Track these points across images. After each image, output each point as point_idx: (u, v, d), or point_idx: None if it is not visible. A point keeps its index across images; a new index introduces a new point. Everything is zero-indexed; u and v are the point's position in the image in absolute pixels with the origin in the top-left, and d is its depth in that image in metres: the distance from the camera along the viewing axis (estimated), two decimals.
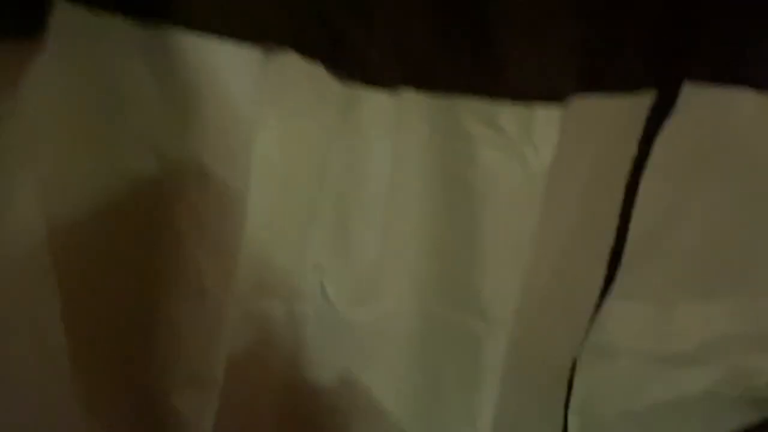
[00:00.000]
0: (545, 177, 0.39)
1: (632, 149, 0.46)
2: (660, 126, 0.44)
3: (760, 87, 0.45)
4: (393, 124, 0.38)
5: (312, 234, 0.39)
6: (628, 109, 0.43)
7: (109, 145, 0.31)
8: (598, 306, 0.51)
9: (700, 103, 0.43)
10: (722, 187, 0.49)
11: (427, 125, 0.39)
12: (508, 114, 0.37)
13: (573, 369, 0.53)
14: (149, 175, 0.31)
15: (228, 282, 0.33)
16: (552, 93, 0.37)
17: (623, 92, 0.42)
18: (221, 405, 0.35)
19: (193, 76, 0.29)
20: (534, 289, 0.46)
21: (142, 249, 0.32)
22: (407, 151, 0.39)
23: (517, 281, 0.41)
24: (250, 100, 0.31)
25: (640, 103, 0.43)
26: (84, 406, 0.35)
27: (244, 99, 0.31)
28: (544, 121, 0.38)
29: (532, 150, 0.38)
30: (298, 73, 0.34)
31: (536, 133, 0.38)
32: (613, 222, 0.48)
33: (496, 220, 0.39)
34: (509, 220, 0.39)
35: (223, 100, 0.30)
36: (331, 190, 0.38)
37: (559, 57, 0.37)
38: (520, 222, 0.39)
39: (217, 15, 0.29)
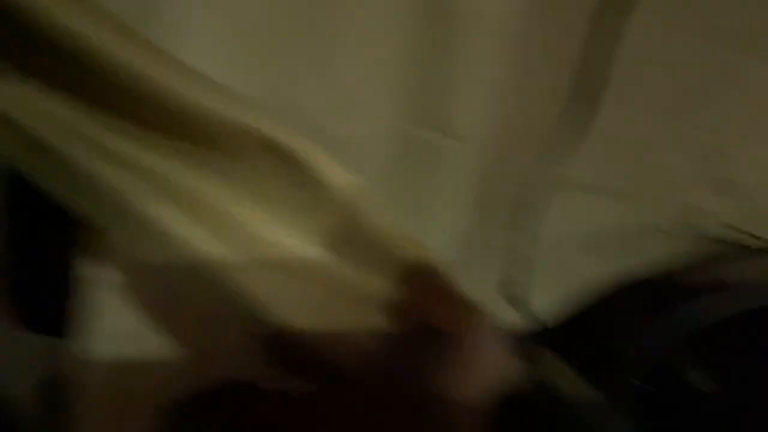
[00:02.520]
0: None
1: None
2: None
3: None
4: None
5: (294, 55, 0.40)
6: None
7: None
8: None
9: None
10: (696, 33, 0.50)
11: None
12: None
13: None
14: None
15: None
16: None
17: None
18: None
19: None
20: (511, 113, 0.48)
21: None
22: None
23: (487, 101, 0.43)
24: None
25: None
26: None
27: None
28: None
29: None
30: None
31: None
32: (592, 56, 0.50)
33: (474, 41, 0.40)
34: (486, 41, 0.40)
35: None
36: (309, 14, 0.39)
37: None
38: (495, 42, 0.41)
39: None
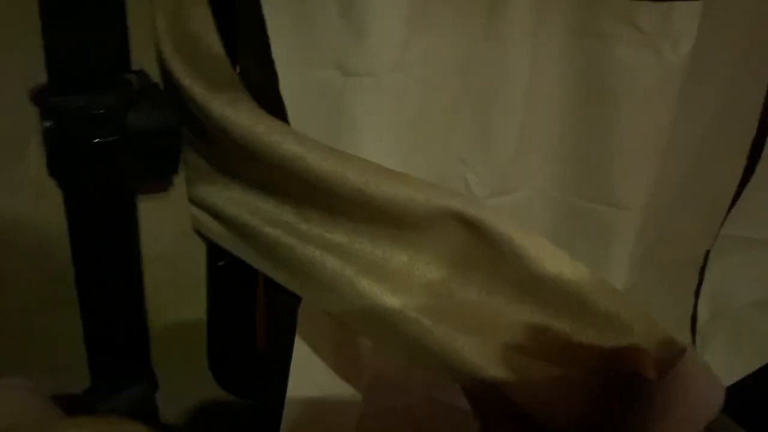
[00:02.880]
0: (683, 70, 0.40)
1: None
2: None
3: None
4: (533, 26, 0.41)
5: (455, 130, 0.43)
6: None
7: None
8: (736, 197, 0.52)
9: None
10: None
11: (567, 27, 0.41)
12: (646, 10, 0.38)
13: (706, 258, 0.55)
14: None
15: None
16: None
17: None
18: None
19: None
20: (672, 178, 0.48)
21: None
22: (547, 51, 0.41)
23: (652, 172, 0.43)
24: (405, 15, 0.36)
25: None
26: None
27: (403, 14, 0.36)
28: (684, 14, 0.38)
29: (669, 44, 0.39)
30: None
31: (675, 26, 0.39)
32: (756, 111, 0.48)
33: (631, 114, 0.41)
34: (644, 113, 0.41)
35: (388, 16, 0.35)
36: (474, 89, 0.42)
37: None
38: (656, 115, 0.41)
39: None
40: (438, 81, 0.41)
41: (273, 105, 0.37)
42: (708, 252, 0.55)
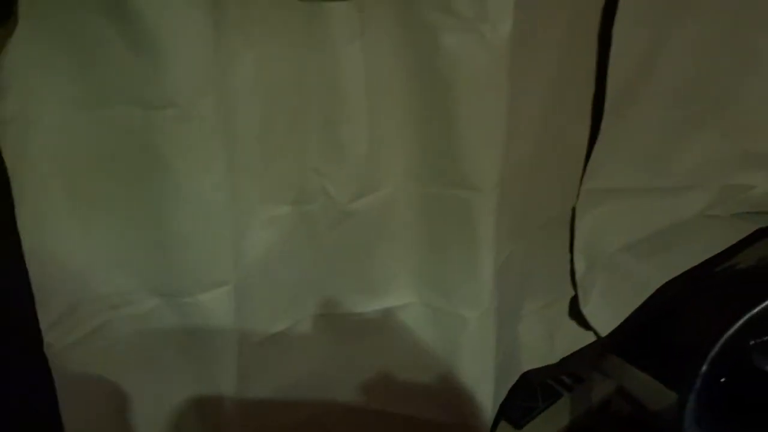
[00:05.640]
0: (507, 49, 0.41)
1: (600, 2, 0.47)
2: None
3: None
4: (359, 26, 0.40)
5: (304, 141, 0.43)
6: None
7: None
8: (589, 153, 0.54)
9: None
10: (697, 21, 0.50)
11: (391, 22, 0.41)
12: None
13: (573, 215, 0.58)
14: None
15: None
16: None
17: None
18: None
19: (152, 27, 0.33)
20: (524, 151, 0.49)
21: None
22: (376, 50, 0.41)
23: (499, 149, 0.44)
24: (207, 39, 0.35)
25: None
26: None
27: (203, 39, 0.34)
28: None
29: (489, 27, 0.40)
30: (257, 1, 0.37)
31: (490, 8, 0.39)
32: (592, 75, 0.51)
33: (468, 99, 0.42)
34: (479, 96, 0.42)
35: (185, 45, 0.34)
36: (314, 99, 0.42)
37: None
38: (490, 95, 0.42)
39: None
40: (273, 96, 0.40)
41: None
42: (574, 208, 0.57)
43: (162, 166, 0.38)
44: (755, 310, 0.48)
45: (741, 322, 0.48)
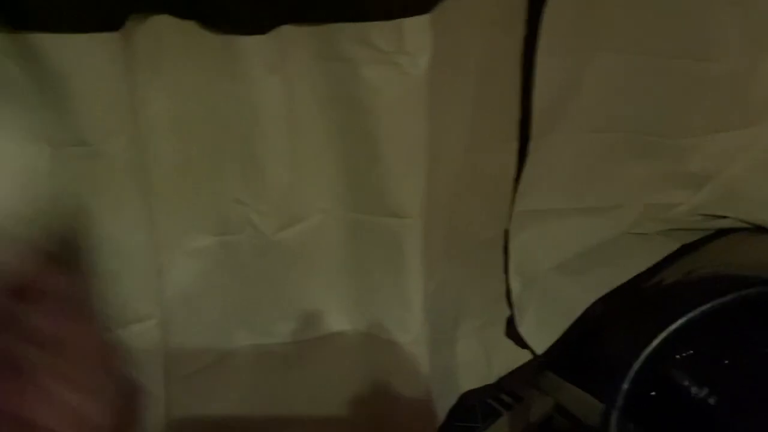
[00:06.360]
0: (426, 80, 0.42)
1: (521, 31, 0.48)
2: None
3: None
4: (278, 59, 0.41)
5: (225, 173, 0.43)
6: None
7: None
8: (517, 178, 0.55)
9: None
10: (618, 49, 0.51)
11: (310, 54, 0.41)
12: (378, 30, 0.39)
13: (506, 237, 0.59)
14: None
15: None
16: (417, 4, 0.39)
17: None
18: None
19: (58, 67, 0.32)
20: (451, 176, 0.50)
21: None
22: (296, 81, 0.41)
23: (422, 177, 0.45)
24: (117, 76, 0.34)
25: None
26: None
27: (112, 77, 0.34)
28: (414, 29, 0.40)
29: (407, 59, 0.40)
30: (171, 36, 0.37)
31: (408, 41, 0.40)
32: (516, 101, 0.52)
33: (389, 129, 0.42)
34: (400, 126, 0.42)
35: (93, 83, 0.33)
36: (233, 130, 0.42)
37: None
38: (411, 126, 0.43)
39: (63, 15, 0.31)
40: (189, 129, 0.40)
41: None
42: (506, 231, 0.59)
43: (74, 204, 0.37)
44: (674, 326, 0.49)
45: (661, 337, 0.49)
